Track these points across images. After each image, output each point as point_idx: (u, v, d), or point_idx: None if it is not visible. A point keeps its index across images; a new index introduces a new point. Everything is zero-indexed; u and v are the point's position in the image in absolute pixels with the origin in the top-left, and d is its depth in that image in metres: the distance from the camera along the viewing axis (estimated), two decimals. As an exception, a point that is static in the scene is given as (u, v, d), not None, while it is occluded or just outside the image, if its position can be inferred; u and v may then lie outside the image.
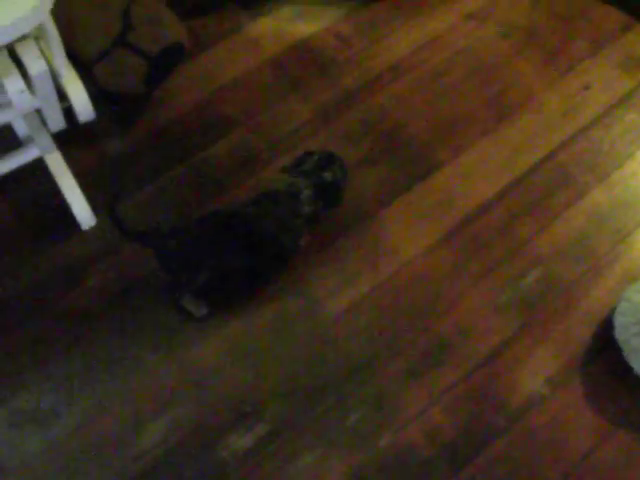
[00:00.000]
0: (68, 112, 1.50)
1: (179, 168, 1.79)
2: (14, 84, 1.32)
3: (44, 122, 1.55)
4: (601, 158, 1.85)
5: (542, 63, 2.00)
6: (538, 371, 1.54)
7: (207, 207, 1.71)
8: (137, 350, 1.54)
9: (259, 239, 1.51)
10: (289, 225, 1.55)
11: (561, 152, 1.85)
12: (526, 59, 2.01)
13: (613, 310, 1.56)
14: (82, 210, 1.67)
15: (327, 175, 1.61)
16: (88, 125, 1.59)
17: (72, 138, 1.75)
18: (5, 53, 1.33)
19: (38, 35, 1.36)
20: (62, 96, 1.44)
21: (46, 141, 1.63)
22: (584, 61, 2.01)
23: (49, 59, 1.38)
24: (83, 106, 1.45)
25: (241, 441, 1.45)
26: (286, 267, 1.63)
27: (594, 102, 1.94)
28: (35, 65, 1.31)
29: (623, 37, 2.06)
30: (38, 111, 1.51)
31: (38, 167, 1.67)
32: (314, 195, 1.58)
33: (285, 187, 1.57)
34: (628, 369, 1.50)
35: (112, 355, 1.54)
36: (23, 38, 1.31)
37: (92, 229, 1.69)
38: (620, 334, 1.52)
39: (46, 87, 1.37)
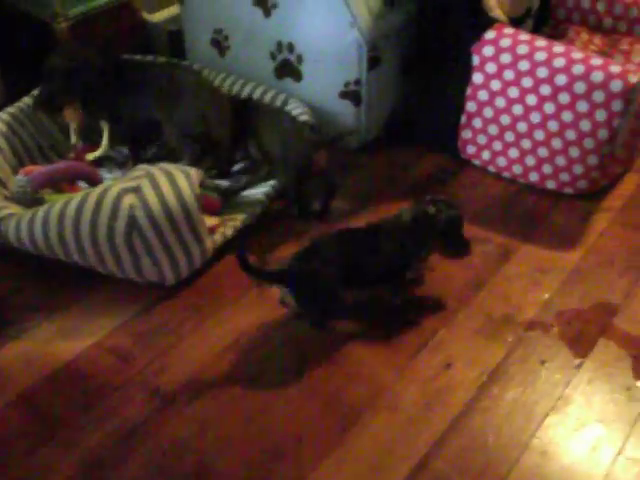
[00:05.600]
0: None
1: None
2: None
3: None
4: (488, 456, 1.34)
5: (385, 346, 1.56)
6: None
7: None
8: None
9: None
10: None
11: (434, 458, 1.34)
12: (364, 344, 1.56)
13: None
14: None
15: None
16: None
17: None
18: None
19: None
20: None
21: None
22: (438, 332, 1.58)
23: None
24: None
25: None
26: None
27: (461, 383, 1.48)
28: None
29: (476, 296, 1.67)
30: None
31: None
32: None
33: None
34: None
35: None
36: None
37: None
38: None
39: None
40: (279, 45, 2.05)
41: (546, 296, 1.68)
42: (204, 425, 1.39)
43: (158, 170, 1.63)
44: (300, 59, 2.04)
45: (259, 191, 1.90)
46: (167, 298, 1.66)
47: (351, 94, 2.01)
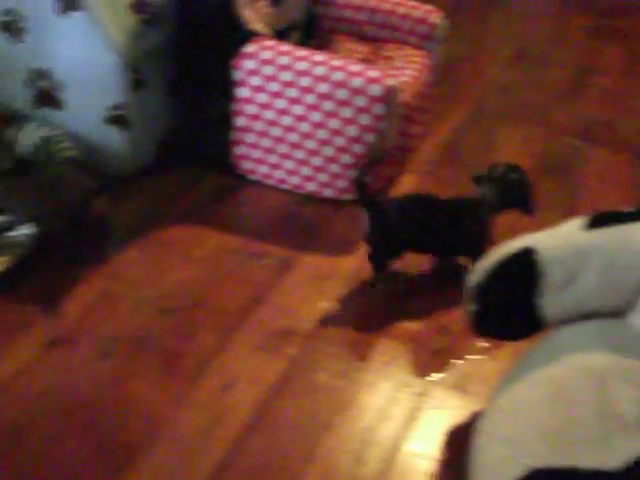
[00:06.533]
0: None
1: None
2: None
3: None
4: (274, 475, 1.31)
5: (163, 374, 1.48)
6: None
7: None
8: None
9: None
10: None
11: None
12: (139, 376, 1.47)
13: None
14: None
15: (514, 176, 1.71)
16: None
17: None
18: None
19: None
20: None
21: None
22: (217, 353, 1.52)
23: None
24: None
25: None
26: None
27: (244, 403, 1.43)
28: None
29: (255, 312, 1.63)
30: None
31: None
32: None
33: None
34: None
35: None
36: None
37: None
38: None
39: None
40: (34, 72, 1.92)
41: (326, 304, 1.66)
42: (-42, 492, 1.25)
43: None
44: (59, 86, 1.92)
45: (21, 233, 1.75)
46: None
47: (116, 119, 1.91)
